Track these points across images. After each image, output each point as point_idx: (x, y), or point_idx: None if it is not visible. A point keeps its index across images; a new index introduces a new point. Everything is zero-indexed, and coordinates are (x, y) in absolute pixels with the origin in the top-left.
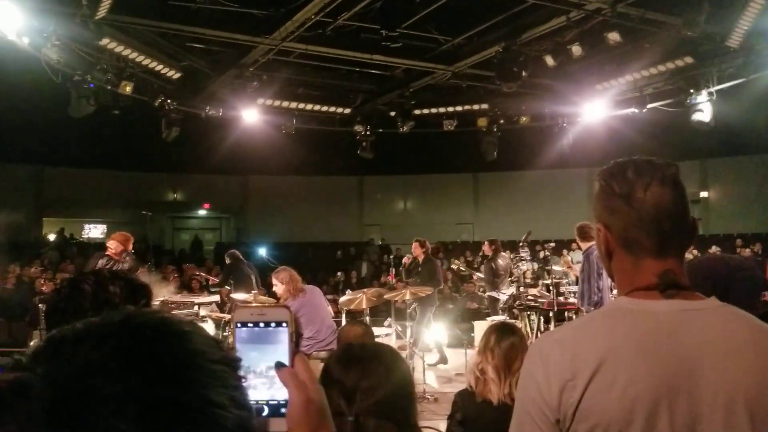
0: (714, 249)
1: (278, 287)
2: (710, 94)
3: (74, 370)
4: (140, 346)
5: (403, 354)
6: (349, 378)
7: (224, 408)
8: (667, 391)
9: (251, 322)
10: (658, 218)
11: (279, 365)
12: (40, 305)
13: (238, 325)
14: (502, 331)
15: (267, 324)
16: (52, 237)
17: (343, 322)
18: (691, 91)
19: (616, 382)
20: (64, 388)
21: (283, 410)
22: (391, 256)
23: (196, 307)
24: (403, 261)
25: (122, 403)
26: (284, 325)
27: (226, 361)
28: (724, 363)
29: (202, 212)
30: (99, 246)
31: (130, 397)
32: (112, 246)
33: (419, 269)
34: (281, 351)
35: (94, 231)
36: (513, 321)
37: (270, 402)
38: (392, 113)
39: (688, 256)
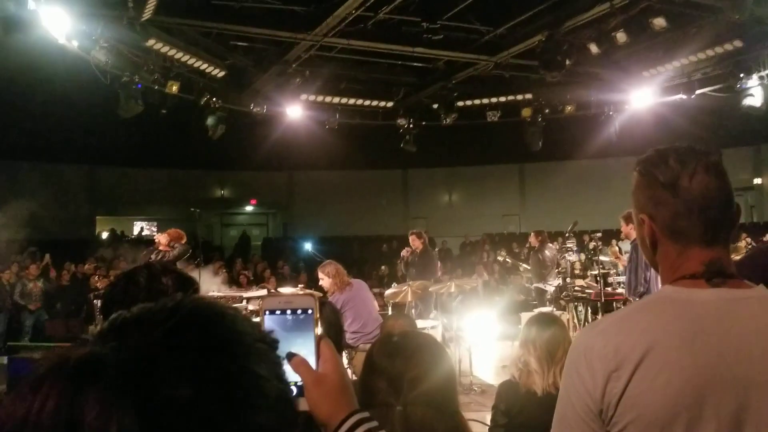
0: None
1: (325, 281)
2: (761, 77)
3: (140, 346)
4: (194, 326)
5: (450, 345)
6: (394, 368)
7: (268, 380)
8: (713, 380)
9: (279, 310)
10: (705, 206)
11: (289, 356)
12: (95, 301)
13: (267, 312)
14: (542, 322)
15: (293, 311)
16: (104, 235)
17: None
18: (741, 75)
19: (661, 371)
20: (133, 361)
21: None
22: (436, 249)
23: (244, 302)
24: (402, 254)
25: (183, 375)
26: (310, 311)
27: (267, 341)
28: None
29: (249, 208)
30: (150, 243)
31: (189, 370)
32: (163, 240)
33: (416, 260)
34: (307, 336)
35: (145, 228)
36: (560, 312)
37: (298, 384)
38: (435, 105)
39: (740, 244)
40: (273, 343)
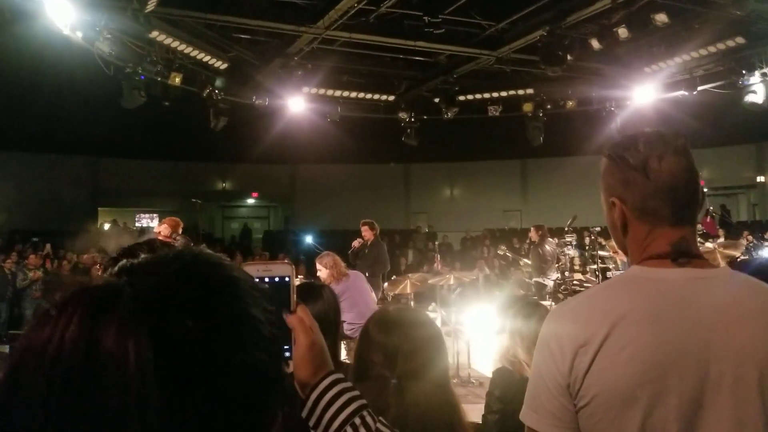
0: None
1: (322, 272)
2: (763, 74)
3: (151, 284)
4: (196, 270)
5: (449, 338)
6: (391, 341)
7: (262, 322)
8: (676, 355)
9: (257, 278)
10: (674, 187)
11: (287, 312)
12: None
13: None
14: (525, 312)
15: (271, 279)
16: (106, 227)
17: None
18: (743, 72)
19: (626, 346)
20: (146, 295)
21: (287, 354)
22: (437, 243)
23: None
24: (353, 244)
25: (190, 310)
26: (287, 279)
27: (258, 290)
28: (735, 328)
29: (250, 201)
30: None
31: (195, 306)
32: (163, 230)
33: (366, 251)
34: (285, 302)
35: (146, 220)
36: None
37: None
38: (436, 100)
39: (741, 241)
40: (264, 292)
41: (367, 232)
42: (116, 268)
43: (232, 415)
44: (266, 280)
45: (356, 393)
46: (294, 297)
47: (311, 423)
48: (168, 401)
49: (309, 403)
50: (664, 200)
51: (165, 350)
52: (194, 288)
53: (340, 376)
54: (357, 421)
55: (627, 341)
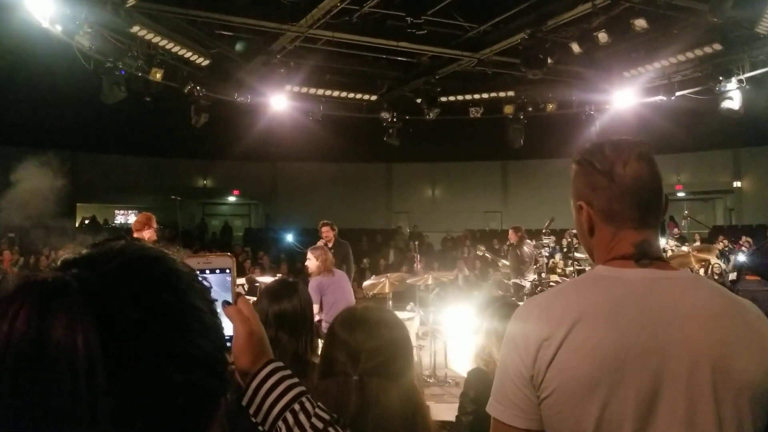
0: (744, 239)
1: (311, 261)
2: (740, 81)
3: (96, 277)
4: (140, 263)
5: (426, 338)
6: (354, 339)
7: (204, 312)
8: (634, 350)
9: (198, 270)
10: (638, 191)
11: (225, 303)
12: None
13: None
14: (502, 312)
15: (212, 271)
16: (85, 222)
17: None
18: (720, 78)
19: (587, 340)
20: (92, 287)
21: (228, 344)
22: (416, 243)
23: None
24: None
25: (134, 301)
26: (227, 271)
27: (200, 283)
28: (691, 326)
29: (231, 198)
30: (129, 231)
31: (139, 297)
32: (146, 234)
33: (332, 252)
34: (225, 294)
35: (124, 217)
36: None
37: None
38: (418, 100)
39: (717, 245)
40: (204, 286)
41: (328, 233)
42: (59, 262)
43: (178, 401)
44: (207, 272)
45: (295, 380)
46: (234, 288)
47: (252, 410)
48: (116, 388)
49: (249, 392)
50: (629, 203)
51: (112, 340)
52: (138, 280)
53: (280, 364)
54: (296, 407)
55: (588, 336)
